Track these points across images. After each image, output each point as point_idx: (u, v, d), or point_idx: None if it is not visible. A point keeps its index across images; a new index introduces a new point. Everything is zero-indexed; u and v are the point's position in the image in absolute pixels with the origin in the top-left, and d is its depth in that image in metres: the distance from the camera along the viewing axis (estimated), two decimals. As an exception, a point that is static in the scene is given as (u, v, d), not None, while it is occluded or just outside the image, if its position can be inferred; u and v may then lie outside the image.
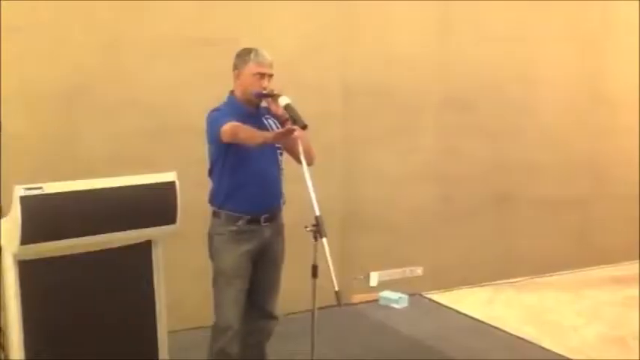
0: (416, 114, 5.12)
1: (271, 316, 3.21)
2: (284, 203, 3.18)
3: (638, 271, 5.47)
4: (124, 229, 2.86)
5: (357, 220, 4.94)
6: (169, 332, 3.15)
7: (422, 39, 5.06)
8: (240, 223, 3.01)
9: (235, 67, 3.08)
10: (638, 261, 5.74)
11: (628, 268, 5.85)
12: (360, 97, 4.85)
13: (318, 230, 2.64)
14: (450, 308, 4.92)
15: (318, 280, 2.79)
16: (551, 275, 5.73)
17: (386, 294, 4.95)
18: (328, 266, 2.55)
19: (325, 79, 4.67)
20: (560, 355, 4.05)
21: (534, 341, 4.25)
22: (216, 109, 3.03)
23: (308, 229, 2.65)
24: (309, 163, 2.91)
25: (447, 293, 5.22)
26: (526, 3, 5.40)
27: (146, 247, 3.02)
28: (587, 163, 5.87)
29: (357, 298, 4.97)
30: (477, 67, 5.28)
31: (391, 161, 5.04)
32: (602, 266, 5.98)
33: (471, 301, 5.07)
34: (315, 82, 4.55)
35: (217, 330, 3.05)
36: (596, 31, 5.82)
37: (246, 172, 3.00)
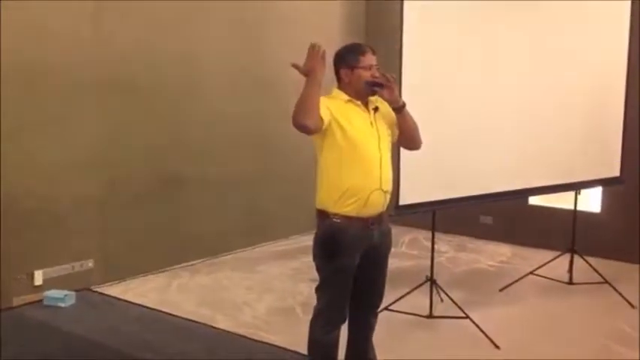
0: (75, 97, 4.76)
1: None
2: None
3: (303, 244, 5.88)
4: None
5: (15, 215, 4.43)
6: None
7: (78, 18, 4.71)
8: None
9: None
10: (303, 234, 6.18)
11: (295, 242, 6.29)
12: (8, 81, 4.33)
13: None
14: (123, 300, 4.70)
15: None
16: (225, 255, 5.87)
17: (51, 293, 4.53)
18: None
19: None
20: (230, 331, 4.12)
21: (208, 322, 4.28)
22: None
23: None
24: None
25: (121, 284, 5.00)
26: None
27: None
28: (253, 145, 6.09)
29: (18, 300, 4.47)
30: (138, 48, 5.10)
31: (49, 149, 4.62)
32: (271, 242, 6.33)
33: (145, 290, 4.92)
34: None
35: None
36: (257, 18, 6.04)
37: None
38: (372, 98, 3.03)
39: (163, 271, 5.34)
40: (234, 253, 5.96)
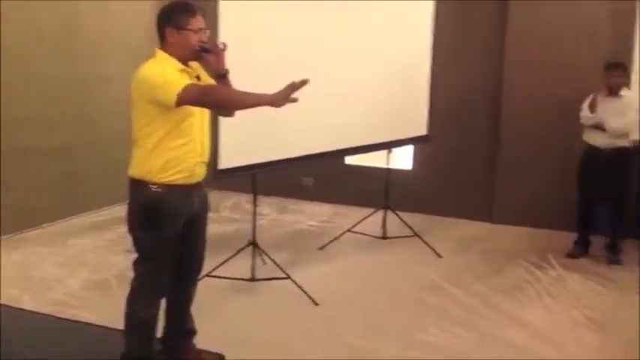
0: None
1: None
2: None
3: (116, 215, 5.60)
4: None
5: None
6: None
7: None
8: None
9: None
10: (115, 205, 5.88)
11: (109, 213, 5.97)
12: None
13: None
14: None
15: None
16: (33, 230, 5.44)
17: None
18: None
19: None
20: (38, 312, 3.82)
21: (13, 303, 3.92)
22: None
23: None
24: None
25: None
26: None
27: None
28: (70, 113, 5.69)
29: None
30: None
31: None
32: (86, 213, 5.97)
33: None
34: None
35: None
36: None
37: None
38: (193, 64, 2.89)
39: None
40: (44, 227, 5.54)
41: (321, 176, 6.59)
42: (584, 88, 5.14)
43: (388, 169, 5.43)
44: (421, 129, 5.45)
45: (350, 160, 6.42)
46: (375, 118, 5.01)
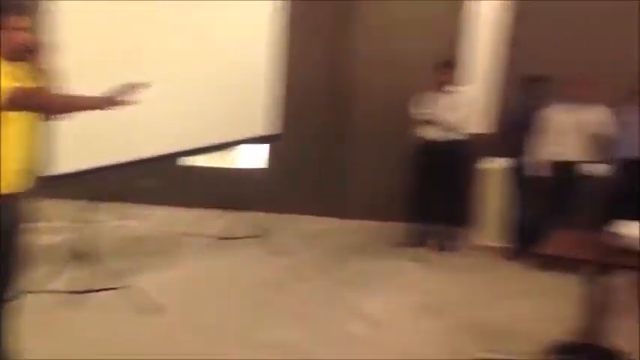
0: None
1: None
2: None
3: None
4: None
5: None
6: None
7: None
8: None
9: None
10: None
11: None
12: None
13: None
14: None
15: None
16: None
17: None
18: None
19: None
20: None
21: None
22: None
23: None
24: None
25: None
26: None
27: None
28: None
29: None
30: None
31: None
32: None
33: None
34: None
35: None
36: None
37: None
38: (17, 65, 2.64)
39: None
40: None
41: (162, 179, 6.31)
42: (426, 84, 5.33)
43: (236, 169, 5.39)
44: (271, 127, 5.41)
45: (199, 161, 6.18)
46: (215, 119, 4.90)
